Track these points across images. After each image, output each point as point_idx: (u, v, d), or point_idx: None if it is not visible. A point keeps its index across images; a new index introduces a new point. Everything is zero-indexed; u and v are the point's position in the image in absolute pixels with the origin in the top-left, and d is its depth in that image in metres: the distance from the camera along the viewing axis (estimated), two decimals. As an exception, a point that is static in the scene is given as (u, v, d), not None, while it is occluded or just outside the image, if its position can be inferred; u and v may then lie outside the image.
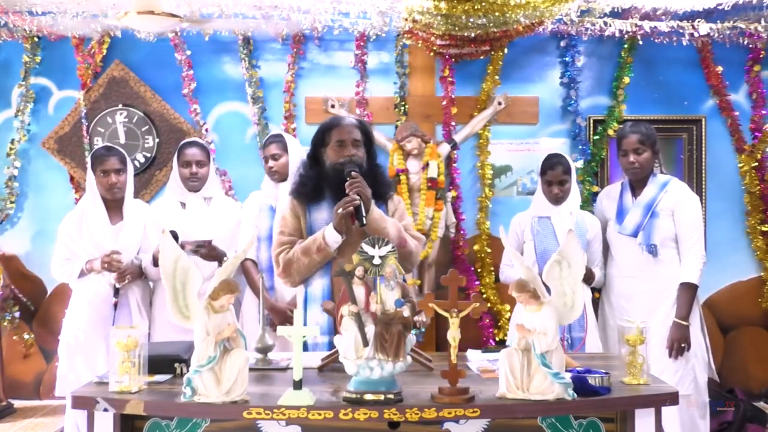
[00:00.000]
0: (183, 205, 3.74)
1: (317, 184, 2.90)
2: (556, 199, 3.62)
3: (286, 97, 4.84)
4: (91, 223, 3.55)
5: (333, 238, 2.74)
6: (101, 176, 3.54)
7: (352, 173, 2.75)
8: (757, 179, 4.81)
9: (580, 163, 4.77)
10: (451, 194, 4.70)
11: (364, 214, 2.69)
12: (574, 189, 3.68)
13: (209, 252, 3.51)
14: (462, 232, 4.79)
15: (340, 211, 2.71)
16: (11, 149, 4.86)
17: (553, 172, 3.60)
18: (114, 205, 3.60)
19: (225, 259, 3.54)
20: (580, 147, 4.81)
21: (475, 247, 4.79)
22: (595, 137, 4.80)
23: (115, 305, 3.47)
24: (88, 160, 3.60)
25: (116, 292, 3.49)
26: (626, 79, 4.79)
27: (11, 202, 4.90)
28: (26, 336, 4.82)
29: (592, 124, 4.86)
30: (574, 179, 3.69)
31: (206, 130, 4.83)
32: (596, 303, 3.85)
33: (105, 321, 3.45)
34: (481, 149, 4.85)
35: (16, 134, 4.87)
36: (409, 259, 2.89)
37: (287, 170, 3.68)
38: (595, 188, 4.69)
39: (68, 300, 3.68)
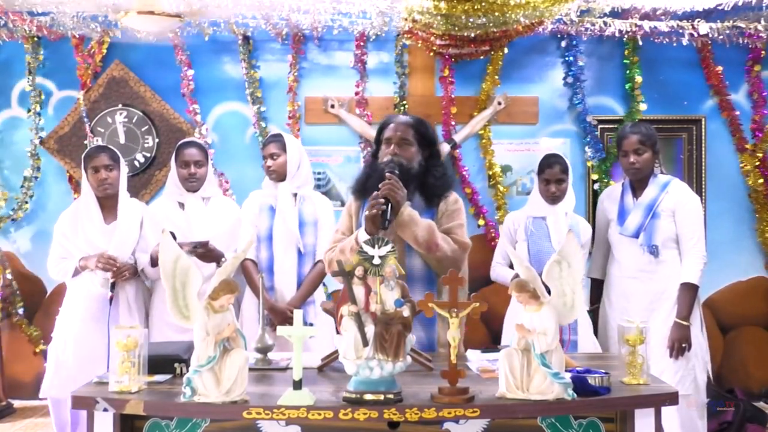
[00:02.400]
0: (181, 205, 3.74)
1: (367, 180, 2.89)
2: (553, 199, 3.61)
3: (290, 98, 4.84)
4: (85, 222, 3.54)
5: (365, 240, 2.72)
6: (92, 173, 3.54)
7: (387, 174, 2.72)
8: (761, 178, 4.82)
9: (594, 162, 4.78)
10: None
11: (388, 217, 2.66)
12: (570, 191, 3.67)
13: (206, 252, 3.50)
14: (491, 223, 4.80)
15: (366, 213, 2.70)
16: (31, 151, 4.86)
17: (552, 171, 3.60)
18: (109, 204, 3.60)
19: (223, 260, 3.54)
20: (593, 146, 4.80)
21: None
22: (610, 136, 4.81)
23: (111, 299, 3.47)
24: (82, 159, 3.59)
25: (112, 286, 3.47)
26: (639, 79, 4.80)
27: (25, 202, 4.90)
28: (34, 332, 4.84)
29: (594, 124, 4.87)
30: (571, 180, 3.68)
31: (206, 129, 4.84)
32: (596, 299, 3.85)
33: (98, 320, 3.45)
34: (484, 149, 4.86)
35: (31, 134, 4.87)
36: (444, 264, 2.72)
37: (285, 170, 3.67)
38: (612, 183, 4.67)
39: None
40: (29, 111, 4.87)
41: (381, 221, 2.64)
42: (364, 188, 2.90)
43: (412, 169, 2.83)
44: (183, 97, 4.83)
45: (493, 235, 4.79)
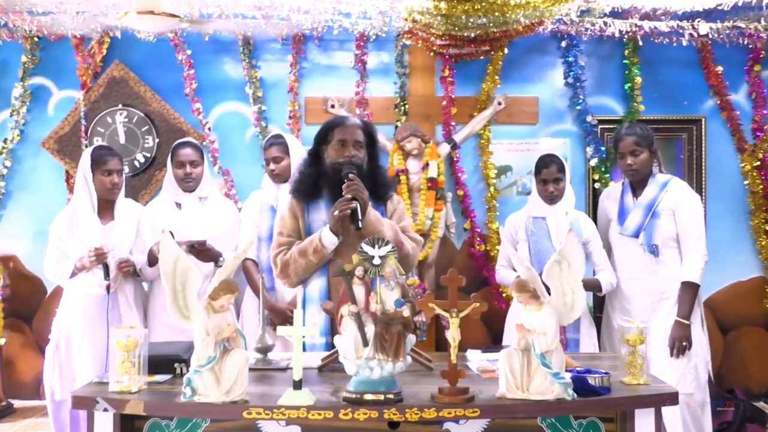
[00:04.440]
0: (178, 205, 3.73)
1: (315, 182, 2.90)
2: (552, 198, 3.62)
3: (291, 98, 4.84)
4: (81, 222, 3.53)
5: (329, 240, 2.73)
6: (104, 175, 3.51)
7: (350, 175, 2.74)
8: (759, 178, 4.81)
9: (594, 162, 4.78)
10: (450, 194, 4.70)
11: (360, 217, 2.68)
12: (569, 189, 3.67)
13: (203, 252, 3.50)
14: (477, 230, 4.80)
15: (336, 213, 2.71)
16: (3, 148, 4.87)
17: (548, 170, 3.61)
18: (105, 205, 3.58)
19: (221, 259, 3.54)
20: (594, 145, 4.80)
21: (488, 247, 4.79)
22: (610, 136, 4.81)
23: (108, 288, 3.44)
24: (86, 159, 3.55)
25: (106, 274, 3.44)
26: (638, 80, 4.80)
27: None
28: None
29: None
30: (569, 179, 3.68)
31: (209, 129, 4.83)
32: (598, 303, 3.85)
33: (96, 321, 3.45)
34: (482, 149, 4.85)
35: (10, 134, 4.88)
36: (406, 261, 2.84)
37: (289, 172, 3.65)
38: (612, 183, 4.67)
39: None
40: (13, 111, 4.87)
41: (354, 221, 2.68)
42: (313, 189, 2.90)
43: (363, 170, 2.86)
44: (186, 97, 4.83)
45: (476, 240, 4.78)
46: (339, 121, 2.96)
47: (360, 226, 2.68)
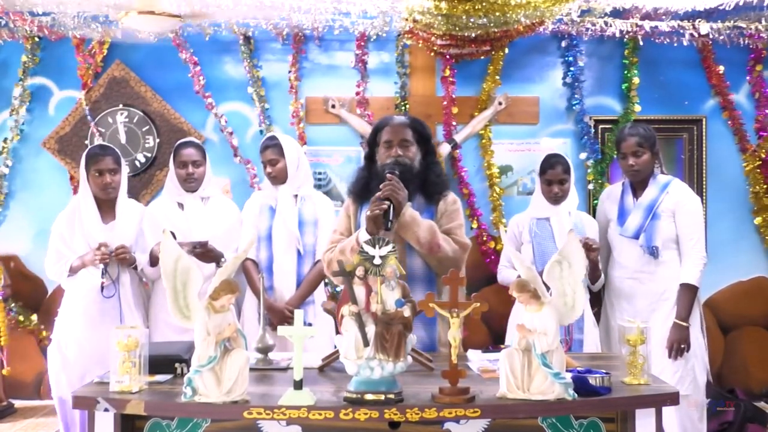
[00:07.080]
0: (180, 205, 3.74)
1: (367, 184, 2.91)
2: (556, 199, 3.61)
3: (292, 98, 4.84)
4: (83, 221, 3.53)
5: (365, 240, 2.74)
6: (96, 176, 3.52)
7: (388, 175, 2.74)
8: (762, 178, 4.81)
9: (589, 162, 4.78)
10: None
11: (390, 218, 2.68)
12: (573, 189, 3.67)
13: (205, 252, 3.50)
14: (484, 227, 4.81)
15: (368, 214, 2.71)
16: (3, 148, 4.87)
17: (553, 171, 3.60)
18: (107, 204, 3.59)
19: (223, 260, 3.54)
20: (589, 146, 4.80)
21: (499, 247, 4.79)
22: (610, 137, 4.80)
23: (102, 287, 3.43)
24: (82, 159, 3.57)
25: (103, 272, 3.44)
26: (636, 80, 4.80)
27: None
28: (34, 319, 4.84)
29: (593, 124, 4.86)
30: (573, 180, 3.68)
31: (225, 121, 4.83)
32: (595, 302, 3.85)
33: (96, 320, 3.45)
34: (484, 149, 4.85)
35: (9, 133, 4.88)
36: (445, 264, 2.75)
37: (286, 174, 3.66)
38: (607, 185, 4.67)
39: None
40: (12, 111, 4.87)
41: (384, 222, 2.66)
42: (365, 191, 2.91)
43: (414, 168, 2.85)
44: (186, 97, 4.82)
45: (485, 239, 4.79)
46: (385, 121, 2.97)
47: (389, 227, 2.67)
